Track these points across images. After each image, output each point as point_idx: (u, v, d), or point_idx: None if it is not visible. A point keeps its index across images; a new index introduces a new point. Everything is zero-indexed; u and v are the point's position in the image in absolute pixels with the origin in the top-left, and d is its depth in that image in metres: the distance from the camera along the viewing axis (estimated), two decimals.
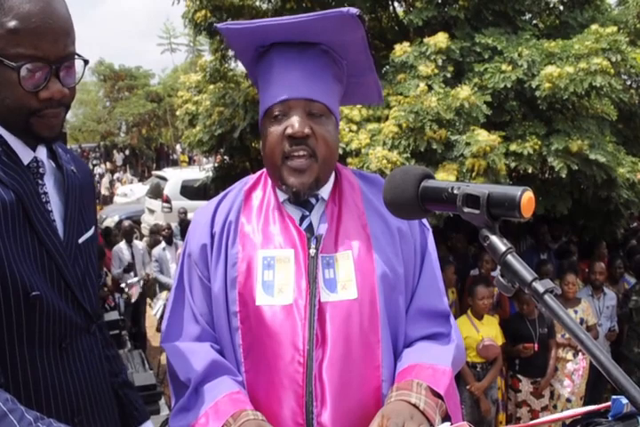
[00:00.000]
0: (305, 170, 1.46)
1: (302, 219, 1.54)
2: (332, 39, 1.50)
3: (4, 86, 1.26)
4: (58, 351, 1.38)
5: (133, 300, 6.88)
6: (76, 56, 1.34)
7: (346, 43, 1.51)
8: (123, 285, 6.78)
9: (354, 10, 1.41)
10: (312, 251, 1.47)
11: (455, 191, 1.06)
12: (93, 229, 1.55)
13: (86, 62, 1.39)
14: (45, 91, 1.28)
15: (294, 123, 1.44)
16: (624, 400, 1.01)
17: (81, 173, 1.55)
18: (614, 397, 1.02)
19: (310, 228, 1.52)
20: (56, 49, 1.27)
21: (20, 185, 1.31)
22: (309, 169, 1.46)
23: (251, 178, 1.65)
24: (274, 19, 1.48)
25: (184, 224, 8.78)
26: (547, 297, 0.92)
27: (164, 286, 6.80)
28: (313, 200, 1.54)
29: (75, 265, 1.42)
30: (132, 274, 6.94)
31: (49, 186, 1.43)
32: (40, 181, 1.40)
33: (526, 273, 0.95)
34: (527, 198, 0.97)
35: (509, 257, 0.97)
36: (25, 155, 1.38)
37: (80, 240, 1.47)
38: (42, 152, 1.43)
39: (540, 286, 0.92)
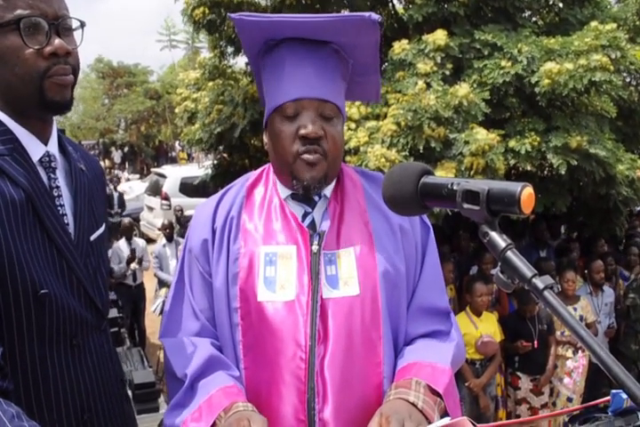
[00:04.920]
0: (316, 164, 1.47)
1: (304, 216, 1.54)
2: (345, 40, 1.50)
3: (9, 55, 1.30)
4: (69, 349, 1.38)
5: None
6: (75, 20, 1.40)
7: (358, 45, 1.52)
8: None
9: (375, 16, 1.42)
10: (314, 247, 1.48)
11: (455, 187, 1.06)
12: (104, 226, 1.56)
13: (83, 25, 1.42)
14: (49, 46, 1.32)
15: (308, 124, 1.45)
16: (624, 395, 1.01)
17: (90, 171, 1.56)
18: (614, 391, 1.02)
19: (312, 225, 1.53)
20: (51, 8, 1.33)
21: (30, 183, 1.32)
22: (320, 164, 1.47)
23: (253, 174, 1.65)
24: (292, 15, 1.48)
25: (181, 221, 8.77)
26: (546, 293, 0.92)
27: (164, 283, 6.80)
28: (315, 197, 1.55)
29: (86, 262, 1.43)
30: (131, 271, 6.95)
31: (61, 180, 1.43)
32: (53, 175, 1.41)
33: (526, 269, 0.94)
34: (527, 194, 0.97)
35: (509, 253, 0.97)
36: (37, 149, 1.39)
37: (92, 237, 1.48)
38: (53, 146, 1.44)
39: (539, 283, 0.92)
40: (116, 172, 24.95)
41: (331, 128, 1.47)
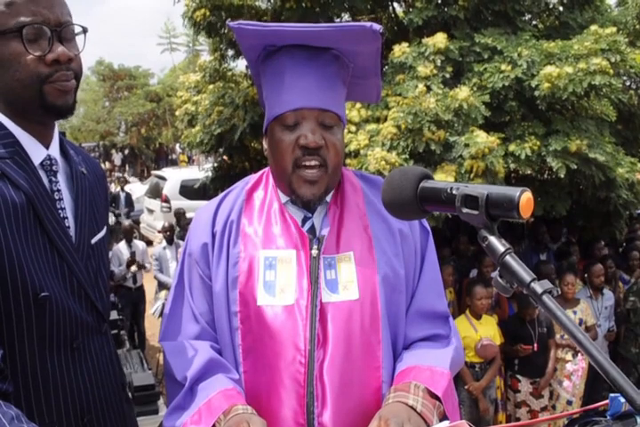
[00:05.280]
0: (317, 181, 1.47)
1: (304, 220, 1.54)
2: (346, 48, 1.50)
3: (11, 61, 1.30)
4: (69, 352, 1.39)
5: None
6: (77, 26, 1.40)
7: (359, 52, 1.52)
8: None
9: (377, 26, 1.42)
10: (314, 252, 1.48)
11: (454, 192, 1.06)
12: (105, 229, 1.57)
13: (85, 31, 1.43)
14: (51, 53, 1.32)
15: (308, 133, 1.45)
16: (622, 399, 1.02)
17: (92, 175, 1.57)
18: (612, 395, 1.02)
19: (312, 229, 1.53)
20: (54, 14, 1.33)
21: (31, 186, 1.33)
22: (320, 180, 1.47)
23: (252, 178, 1.65)
24: (291, 25, 1.48)
25: (181, 224, 8.77)
26: (545, 298, 0.92)
27: (164, 286, 6.81)
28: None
29: (87, 265, 1.43)
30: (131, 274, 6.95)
31: (62, 183, 1.44)
32: (54, 178, 1.42)
33: (525, 274, 0.95)
34: (526, 199, 0.98)
35: (508, 258, 0.97)
36: (38, 153, 1.39)
37: (93, 240, 1.48)
38: (55, 150, 1.45)
39: (538, 287, 0.93)
40: (117, 174, 24.88)
41: (331, 137, 1.47)
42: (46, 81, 1.33)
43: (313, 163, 1.46)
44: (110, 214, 9.89)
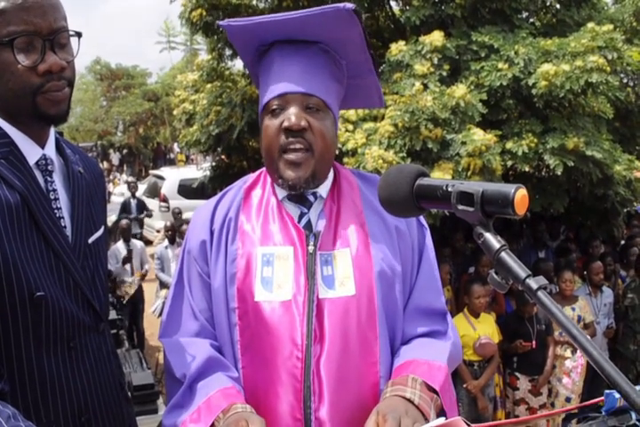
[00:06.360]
0: (301, 163, 1.48)
1: (301, 216, 1.55)
2: (329, 36, 1.52)
3: (4, 70, 1.29)
4: (66, 351, 1.39)
5: (125, 301, 6.88)
6: (70, 31, 1.37)
7: (343, 40, 1.53)
8: (122, 279, 6.77)
9: (350, 5, 1.43)
10: (310, 248, 1.49)
11: (449, 189, 1.07)
12: (103, 228, 1.57)
13: (79, 35, 1.40)
14: (43, 64, 1.31)
15: (291, 116, 1.46)
16: (617, 395, 1.02)
17: (89, 174, 1.57)
18: (607, 391, 1.03)
19: (309, 225, 1.54)
20: (46, 22, 1.30)
21: (26, 186, 1.33)
22: (305, 163, 1.48)
23: (250, 177, 1.67)
24: (272, 15, 1.50)
25: (175, 224, 8.77)
26: (540, 294, 0.92)
27: (164, 285, 6.81)
28: (312, 198, 1.56)
29: (84, 264, 1.43)
30: (128, 271, 6.92)
31: (58, 183, 1.44)
32: (49, 178, 1.42)
33: (520, 270, 0.95)
34: (520, 196, 0.98)
35: (503, 254, 0.98)
36: (33, 152, 1.39)
37: (90, 240, 1.48)
38: (50, 149, 1.45)
39: (533, 283, 0.93)
40: (116, 174, 24.81)
41: (316, 121, 1.48)
42: (38, 92, 1.32)
43: (298, 146, 1.47)
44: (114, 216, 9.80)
